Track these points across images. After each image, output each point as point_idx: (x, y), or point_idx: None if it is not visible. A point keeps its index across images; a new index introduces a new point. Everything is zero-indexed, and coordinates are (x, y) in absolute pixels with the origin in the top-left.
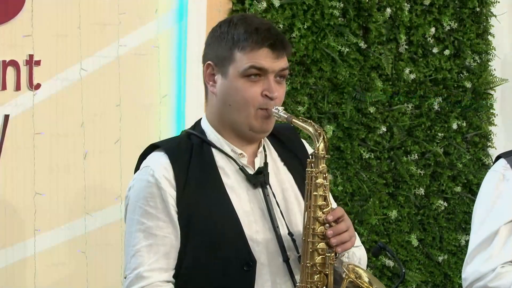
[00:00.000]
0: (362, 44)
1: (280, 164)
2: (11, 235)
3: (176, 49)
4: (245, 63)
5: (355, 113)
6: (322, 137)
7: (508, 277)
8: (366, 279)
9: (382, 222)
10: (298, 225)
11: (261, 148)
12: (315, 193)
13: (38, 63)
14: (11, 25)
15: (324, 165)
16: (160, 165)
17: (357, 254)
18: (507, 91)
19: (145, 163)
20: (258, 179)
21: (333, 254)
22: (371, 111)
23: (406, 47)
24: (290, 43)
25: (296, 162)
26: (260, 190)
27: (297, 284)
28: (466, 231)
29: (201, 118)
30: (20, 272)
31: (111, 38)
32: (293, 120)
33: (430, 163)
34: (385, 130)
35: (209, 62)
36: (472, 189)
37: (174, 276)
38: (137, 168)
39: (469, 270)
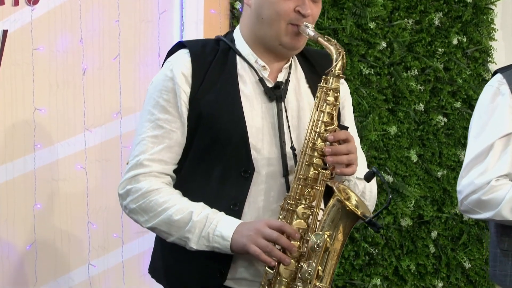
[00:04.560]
0: None
1: (305, 85)
2: (11, 151)
3: None
4: None
5: (355, 29)
6: (341, 56)
7: (502, 190)
8: (354, 202)
9: (381, 138)
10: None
11: (287, 65)
12: (322, 109)
13: None
14: None
15: (338, 84)
16: (180, 61)
17: (359, 187)
18: (508, 6)
19: (169, 59)
20: (275, 93)
21: (328, 172)
22: (371, 27)
23: None
24: None
25: None
26: (275, 104)
27: (286, 194)
28: (466, 146)
29: (236, 27)
30: (20, 187)
31: None
32: (319, 38)
33: (430, 79)
34: (385, 45)
35: None
36: (472, 105)
37: (175, 171)
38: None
39: (464, 183)
